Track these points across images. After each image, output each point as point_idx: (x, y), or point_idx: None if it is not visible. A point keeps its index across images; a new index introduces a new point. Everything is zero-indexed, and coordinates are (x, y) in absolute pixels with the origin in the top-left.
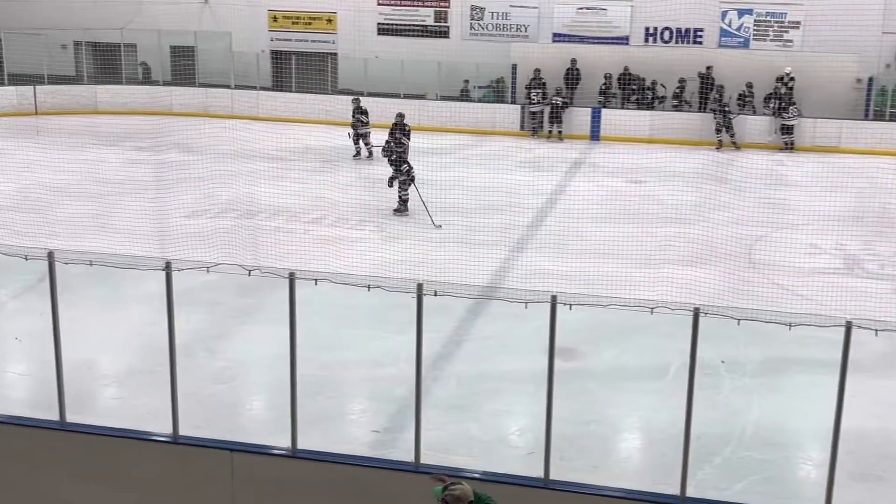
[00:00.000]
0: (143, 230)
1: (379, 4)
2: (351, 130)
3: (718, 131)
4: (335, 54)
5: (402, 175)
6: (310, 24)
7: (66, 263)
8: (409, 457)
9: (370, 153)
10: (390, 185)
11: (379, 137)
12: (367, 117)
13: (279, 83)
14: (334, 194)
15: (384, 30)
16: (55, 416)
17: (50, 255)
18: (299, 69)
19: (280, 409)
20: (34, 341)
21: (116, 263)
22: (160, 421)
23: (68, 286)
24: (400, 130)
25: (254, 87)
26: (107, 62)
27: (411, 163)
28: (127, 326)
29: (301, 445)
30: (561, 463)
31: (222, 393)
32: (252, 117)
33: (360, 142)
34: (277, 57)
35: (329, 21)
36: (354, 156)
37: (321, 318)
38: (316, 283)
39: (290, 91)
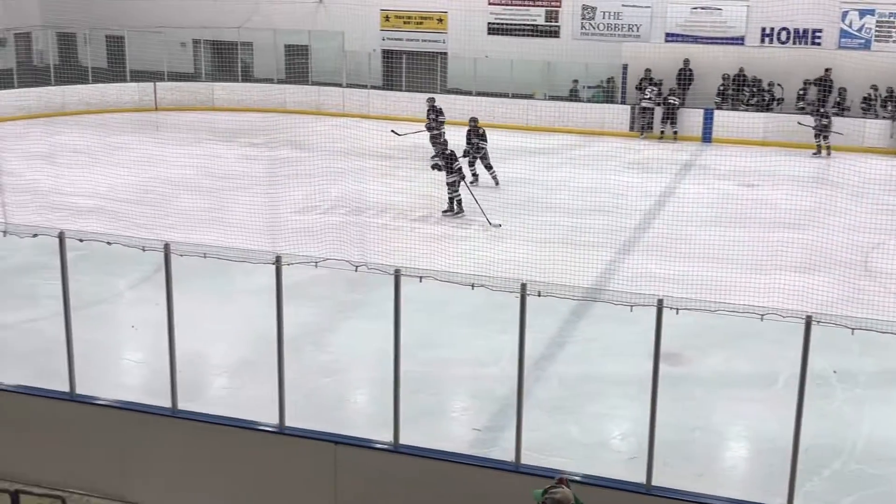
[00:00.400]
0: (255, 225)
1: (490, 4)
2: (417, 131)
3: (817, 136)
4: (445, 54)
5: (454, 175)
6: (421, 23)
7: (182, 255)
8: (509, 456)
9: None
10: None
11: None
12: (444, 116)
13: (389, 82)
14: (441, 193)
15: (494, 29)
16: (167, 404)
17: (166, 247)
18: (409, 68)
19: (383, 404)
20: (149, 330)
21: (229, 257)
22: (267, 411)
23: (183, 277)
24: (475, 134)
25: (364, 86)
26: (224, 60)
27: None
28: (238, 318)
29: (403, 441)
30: (664, 469)
31: (327, 386)
32: (362, 115)
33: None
34: (388, 56)
35: (440, 21)
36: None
37: (425, 315)
38: (421, 281)
39: (400, 90)
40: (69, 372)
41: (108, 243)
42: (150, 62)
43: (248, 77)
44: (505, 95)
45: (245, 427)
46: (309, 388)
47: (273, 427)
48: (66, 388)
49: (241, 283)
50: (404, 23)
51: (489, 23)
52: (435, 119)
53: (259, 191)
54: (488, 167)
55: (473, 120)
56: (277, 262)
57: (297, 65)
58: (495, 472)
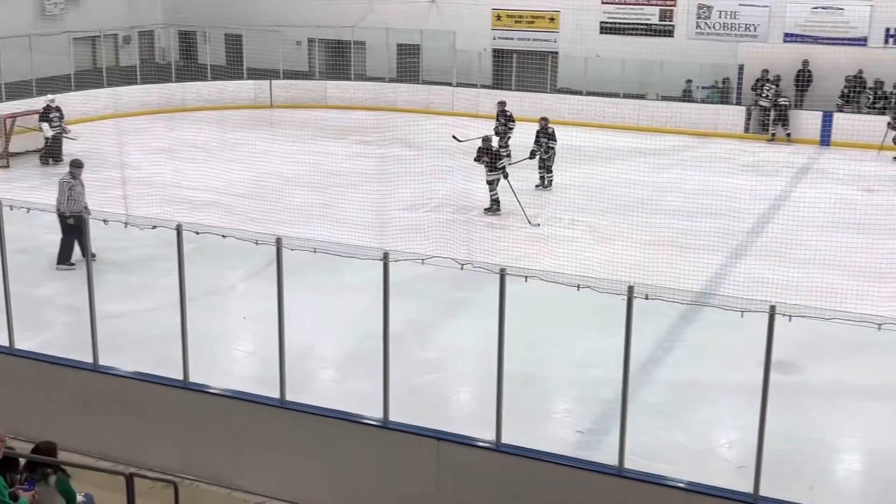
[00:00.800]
0: (364, 221)
1: (603, 3)
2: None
3: None
4: (556, 53)
5: (495, 173)
6: (532, 22)
7: (293, 250)
8: (612, 460)
9: (508, 155)
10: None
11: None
12: (514, 123)
13: (499, 81)
14: (548, 192)
15: (607, 28)
16: (276, 394)
17: (278, 242)
18: (519, 67)
19: (486, 402)
20: (260, 322)
21: (338, 252)
22: (371, 405)
23: (293, 271)
24: (544, 133)
25: (474, 85)
26: (337, 58)
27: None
28: (345, 313)
29: (505, 440)
30: (772, 480)
31: (431, 382)
32: (471, 115)
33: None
34: (499, 55)
35: (552, 20)
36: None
37: (530, 315)
38: (526, 280)
39: (510, 89)
40: (183, 361)
41: (223, 236)
42: (266, 60)
43: (360, 76)
44: (616, 95)
45: (350, 420)
46: (413, 383)
47: (377, 421)
48: (180, 377)
49: (349, 279)
50: (515, 22)
51: (602, 22)
52: (504, 124)
53: (368, 188)
54: (548, 169)
55: (544, 119)
56: (385, 258)
57: (409, 64)
58: (597, 476)
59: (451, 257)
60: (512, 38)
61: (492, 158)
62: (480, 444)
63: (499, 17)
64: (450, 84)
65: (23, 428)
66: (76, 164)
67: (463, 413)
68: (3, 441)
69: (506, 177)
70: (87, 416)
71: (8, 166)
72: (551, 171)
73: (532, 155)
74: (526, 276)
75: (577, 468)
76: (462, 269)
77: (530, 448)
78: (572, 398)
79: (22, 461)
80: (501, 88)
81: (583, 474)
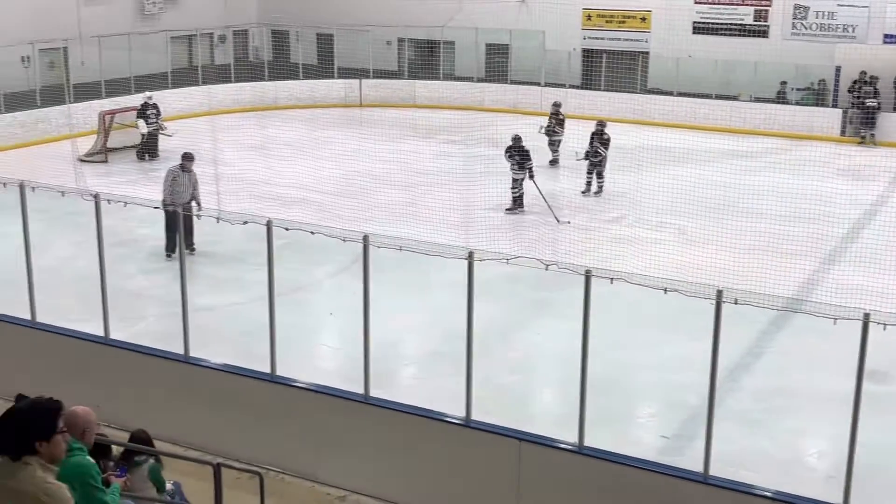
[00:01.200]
0: (450, 220)
1: (696, 3)
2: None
3: None
4: (647, 53)
5: (522, 172)
6: (623, 22)
7: (379, 247)
8: (697, 466)
9: (555, 161)
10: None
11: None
12: (562, 127)
13: (588, 81)
14: (637, 194)
15: (700, 28)
16: (360, 390)
17: (365, 239)
18: (609, 67)
19: (568, 404)
20: (345, 318)
21: (423, 250)
22: (454, 404)
23: (379, 268)
24: (598, 138)
25: (563, 85)
26: (425, 58)
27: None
28: (429, 311)
29: (587, 443)
30: (863, 492)
31: (514, 383)
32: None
33: (558, 149)
34: (588, 55)
35: (643, 20)
36: (552, 162)
37: (615, 317)
38: (612, 283)
39: (599, 90)
40: (271, 354)
41: (312, 233)
42: (356, 59)
43: (448, 75)
44: (708, 96)
45: (432, 418)
46: (495, 383)
47: (459, 420)
48: (268, 370)
49: (434, 277)
50: (606, 21)
51: (694, 22)
52: (553, 127)
53: (455, 187)
54: (599, 174)
55: (600, 124)
56: (470, 257)
57: (497, 63)
58: (682, 482)
59: (535, 258)
60: (602, 38)
61: (521, 157)
62: (562, 446)
63: (589, 17)
64: (538, 84)
65: (115, 416)
66: (186, 157)
67: (545, 414)
68: (94, 424)
69: (531, 177)
70: (176, 406)
71: (106, 161)
72: (602, 177)
73: (586, 156)
74: (612, 278)
75: (661, 473)
76: (547, 269)
77: (613, 452)
78: (657, 402)
79: (115, 448)
80: (591, 89)
81: (667, 480)
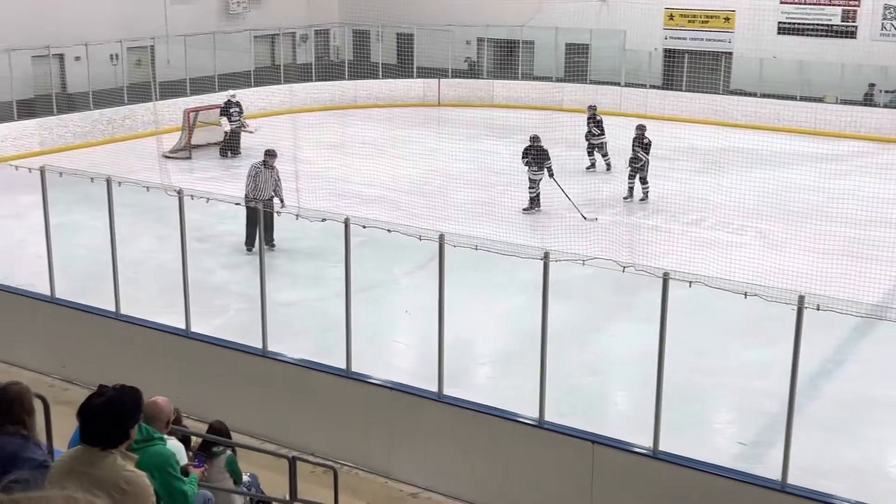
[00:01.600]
0: (526, 220)
1: (782, 3)
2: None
3: None
4: (730, 53)
5: (539, 172)
6: (706, 22)
7: (455, 246)
8: (775, 475)
9: (608, 166)
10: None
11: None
12: (601, 129)
13: (669, 82)
14: (717, 197)
15: (785, 29)
16: (434, 388)
17: (441, 238)
18: (691, 68)
19: (644, 408)
20: (421, 316)
21: (499, 250)
22: (527, 404)
23: (455, 267)
24: (639, 143)
25: (643, 86)
26: (504, 58)
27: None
28: (504, 311)
29: (662, 447)
30: None
31: (588, 385)
32: (639, 115)
33: (596, 153)
34: (670, 55)
35: (727, 20)
36: (588, 168)
37: (693, 321)
38: (690, 286)
39: (680, 90)
40: (346, 350)
41: (388, 231)
42: (435, 59)
43: (527, 75)
44: (792, 98)
45: (506, 418)
46: (569, 385)
47: (533, 420)
48: (343, 366)
49: (510, 277)
50: (689, 21)
51: (780, 22)
52: (590, 130)
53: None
54: (643, 180)
55: (641, 127)
56: (545, 258)
57: (576, 63)
58: (759, 490)
59: (612, 259)
60: (684, 38)
61: (539, 157)
62: (637, 449)
63: (671, 17)
64: (618, 84)
65: (194, 407)
66: (269, 154)
67: (620, 417)
68: (170, 412)
69: (552, 176)
70: (254, 399)
71: (190, 157)
72: (646, 182)
73: (630, 162)
74: (690, 282)
75: (738, 481)
76: (624, 271)
77: (689, 457)
78: (735, 409)
79: (194, 439)
80: (672, 89)
81: (744, 487)
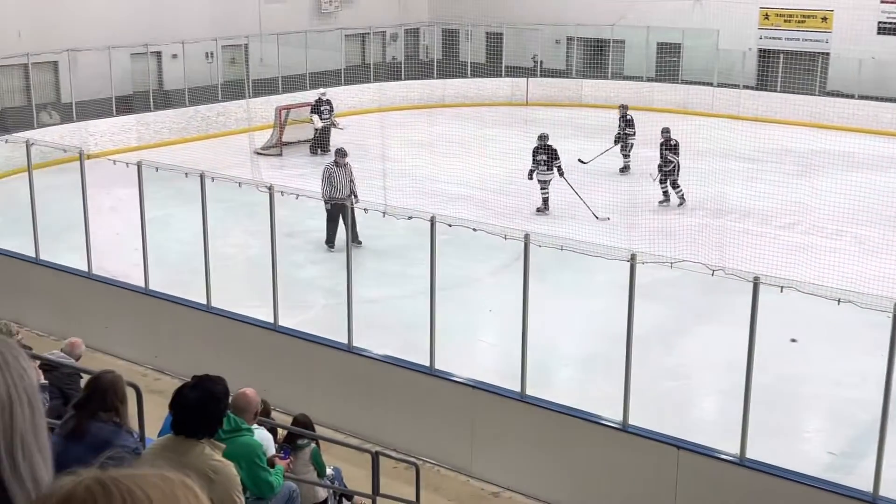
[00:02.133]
0: (612, 221)
1: (882, 2)
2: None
3: None
4: (827, 54)
5: (549, 173)
6: (803, 21)
7: (540, 246)
8: (867, 486)
9: (626, 167)
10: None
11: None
12: (633, 128)
13: (763, 83)
14: (811, 201)
15: (885, 29)
16: (516, 388)
17: (526, 237)
18: (786, 69)
19: (730, 414)
20: (504, 315)
21: (585, 250)
22: (610, 407)
23: (539, 267)
24: (666, 146)
25: (736, 86)
26: (594, 57)
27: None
28: (589, 312)
29: (749, 454)
30: None
31: (673, 389)
32: (731, 116)
33: (620, 153)
34: (764, 55)
35: (824, 19)
36: (622, 169)
37: (784, 327)
38: (781, 291)
39: (775, 91)
40: (430, 348)
41: (474, 230)
42: (524, 58)
43: (617, 74)
44: (892, 100)
45: (589, 420)
46: (654, 389)
47: (616, 424)
48: (427, 363)
49: (595, 278)
50: (784, 21)
51: (879, 22)
52: (622, 131)
53: (619, 188)
54: (674, 184)
55: (665, 131)
56: (632, 259)
57: (668, 63)
58: (850, 501)
59: (701, 262)
60: (780, 38)
61: (548, 157)
62: (723, 456)
63: (766, 16)
64: (710, 84)
65: (280, 400)
66: (339, 153)
67: (705, 423)
68: (258, 404)
69: (562, 175)
70: (338, 394)
71: (281, 154)
72: (678, 186)
73: (659, 170)
74: (782, 287)
75: (828, 491)
76: (713, 274)
77: (776, 465)
78: (825, 417)
79: (280, 431)
80: (766, 90)
81: (834, 498)
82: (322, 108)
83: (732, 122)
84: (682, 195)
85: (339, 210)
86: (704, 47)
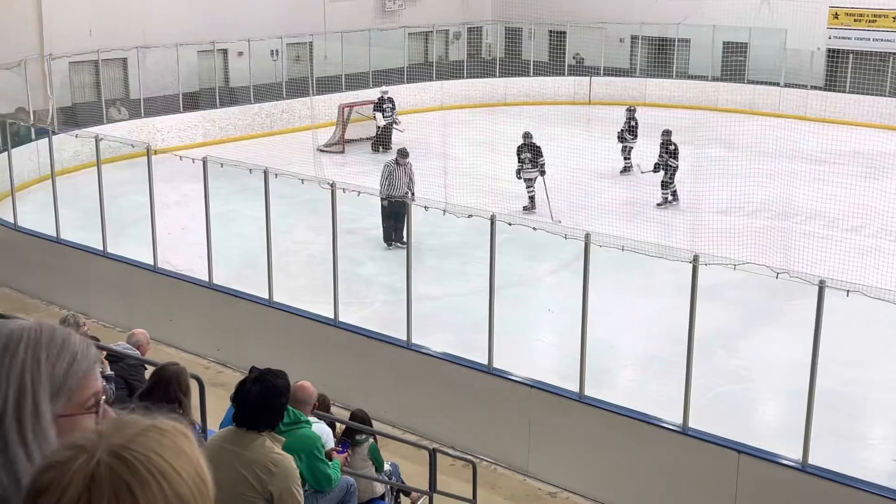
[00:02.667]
0: (675, 221)
1: None
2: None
3: None
4: None
5: (534, 171)
6: (874, 21)
7: (600, 246)
8: None
9: (627, 168)
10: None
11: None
12: (634, 134)
13: (832, 83)
14: (880, 203)
15: None
16: (575, 388)
17: (587, 237)
18: (856, 69)
19: (792, 419)
20: (564, 315)
21: (646, 251)
22: (670, 409)
23: (600, 267)
24: (665, 148)
25: (804, 86)
26: (659, 56)
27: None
28: (649, 313)
29: (812, 461)
30: None
31: (735, 392)
32: (798, 117)
33: (629, 156)
34: (833, 55)
35: (895, 19)
36: (622, 171)
37: (849, 331)
38: (847, 295)
39: (843, 91)
40: (489, 346)
41: (534, 228)
42: (587, 57)
43: (681, 73)
44: None
45: (648, 422)
46: (716, 392)
47: (676, 426)
48: (485, 361)
49: (657, 279)
50: (854, 20)
51: None
52: (623, 133)
53: (681, 188)
54: (664, 184)
55: (666, 133)
56: (695, 261)
57: (734, 62)
58: None
59: (765, 264)
60: (849, 38)
61: (532, 155)
62: (785, 461)
63: (836, 16)
64: (777, 84)
65: (338, 394)
66: (401, 153)
67: (767, 427)
68: (315, 396)
69: (542, 174)
70: (396, 390)
71: (343, 152)
72: (667, 186)
73: (655, 168)
74: (848, 291)
75: (891, 499)
76: (777, 277)
77: (839, 472)
78: (890, 424)
79: (338, 425)
80: (834, 90)
81: None
82: (384, 106)
83: (799, 122)
84: (675, 192)
85: (394, 208)
86: (772, 47)
